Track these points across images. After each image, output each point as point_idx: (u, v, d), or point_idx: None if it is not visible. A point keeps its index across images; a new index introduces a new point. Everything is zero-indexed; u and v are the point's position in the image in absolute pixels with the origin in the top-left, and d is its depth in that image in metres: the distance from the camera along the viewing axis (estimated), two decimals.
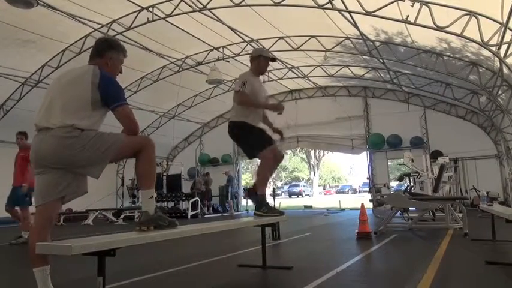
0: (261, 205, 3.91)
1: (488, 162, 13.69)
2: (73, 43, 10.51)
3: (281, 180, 52.87)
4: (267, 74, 14.45)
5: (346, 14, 8.47)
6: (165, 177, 15.68)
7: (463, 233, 5.80)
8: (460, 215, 6.68)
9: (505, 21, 6.45)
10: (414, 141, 14.75)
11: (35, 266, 2.28)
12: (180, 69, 13.24)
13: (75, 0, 8.63)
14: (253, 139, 3.90)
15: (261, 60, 4.13)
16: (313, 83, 15.65)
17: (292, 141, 16.90)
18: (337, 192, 46.18)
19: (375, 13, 7.53)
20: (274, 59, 4.34)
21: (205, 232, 2.97)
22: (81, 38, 10.33)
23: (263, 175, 3.99)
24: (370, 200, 9.62)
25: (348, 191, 46.10)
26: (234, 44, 11.72)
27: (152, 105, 15.50)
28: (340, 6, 7.80)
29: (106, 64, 2.59)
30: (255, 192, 3.92)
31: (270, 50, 11.52)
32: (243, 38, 11.17)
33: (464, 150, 13.74)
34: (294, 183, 46.94)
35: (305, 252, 5.15)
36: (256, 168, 4.01)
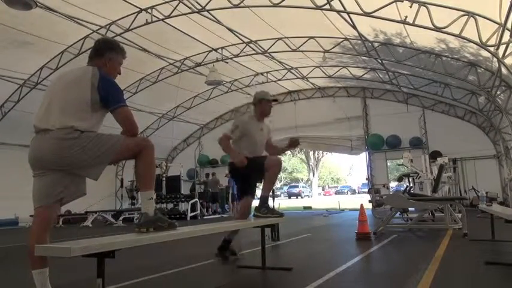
0: (261, 206, 3.92)
1: (487, 162, 13.71)
2: (72, 44, 10.51)
3: (280, 181, 52.88)
4: (266, 74, 14.48)
5: (345, 15, 8.49)
6: (164, 179, 15.66)
7: (463, 233, 5.80)
8: (460, 215, 6.69)
9: (503, 22, 6.45)
10: (413, 142, 14.77)
11: (34, 267, 2.27)
12: (179, 71, 13.24)
13: (73, 1, 8.63)
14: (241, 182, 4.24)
15: (263, 104, 4.22)
16: (312, 83, 15.67)
17: (277, 177, 16.82)
18: (337, 193, 46.18)
19: (374, 14, 7.54)
20: (276, 100, 4.44)
21: (205, 233, 2.96)
22: (80, 40, 10.32)
23: (272, 176, 4.12)
24: (370, 201, 9.62)
25: (347, 192, 46.13)
26: (232, 45, 11.73)
27: (151, 107, 15.50)
28: (339, 7, 7.81)
29: (105, 65, 2.58)
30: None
31: (269, 50, 11.57)
32: (241, 39, 11.18)
33: (463, 150, 13.76)
34: (293, 184, 46.94)
35: (305, 253, 5.15)
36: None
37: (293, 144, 4.32)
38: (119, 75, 2.70)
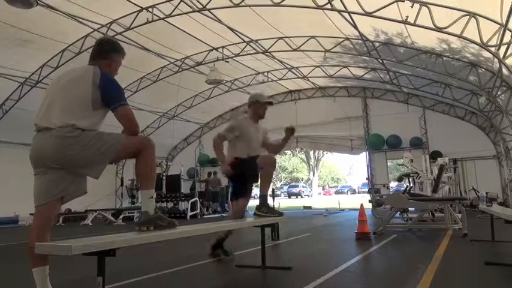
0: (261, 205, 3.92)
1: (488, 162, 13.70)
2: (73, 43, 10.51)
3: (280, 181, 52.88)
4: (266, 74, 14.48)
5: (346, 15, 8.48)
6: (164, 178, 15.67)
7: (462, 234, 5.80)
8: (460, 215, 6.69)
9: (504, 22, 6.45)
10: (413, 142, 14.76)
11: (35, 266, 2.28)
12: (180, 70, 13.24)
13: (74, 0, 8.63)
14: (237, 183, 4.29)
15: (257, 106, 4.22)
16: (313, 83, 15.66)
17: (291, 141, 16.87)
18: (337, 192, 46.15)
19: (375, 14, 7.53)
20: (270, 103, 4.39)
21: (205, 232, 2.97)
22: (81, 38, 10.33)
23: (268, 175, 4.11)
24: (370, 201, 9.63)
25: (347, 192, 46.11)
26: (233, 44, 11.72)
27: (152, 106, 15.50)
28: (340, 7, 7.80)
29: (109, 65, 2.60)
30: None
31: (269, 50, 11.56)
32: (242, 39, 11.17)
33: (464, 150, 13.75)
34: (293, 183, 46.95)
35: (304, 252, 5.15)
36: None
37: (289, 132, 4.22)
38: (116, 74, 2.71)
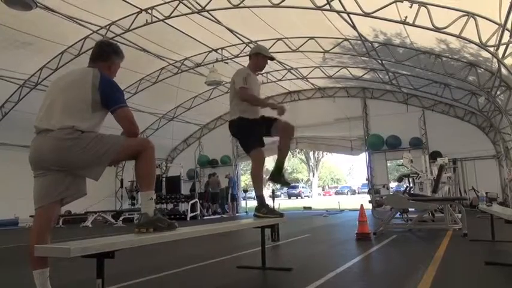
0: (261, 206, 3.90)
1: (487, 162, 13.70)
2: (72, 45, 10.51)
3: (277, 186, 52.75)
4: (265, 75, 14.48)
5: (345, 15, 8.48)
6: (164, 179, 15.67)
7: (462, 234, 5.80)
8: (459, 215, 6.69)
9: (503, 22, 6.46)
10: (413, 142, 14.77)
11: (35, 268, 2.27)
12: (179, 71, 13.24)
13: (73, 2, 8.63)
14: (248, 137, 3.87)
15: (259, 58, 4.12)
16: (312, 84, 15.67)
17: (291, 142, 16.89)
18: (337, 193, 46.13)
19: (374, 14, 7.54)
20: (272, 58, 4.32)
21: (205, 234, 2.96)
22: (80, 40, 10.33)
23: (257, 175, 3.92)
24: (370, 201, 9.63)
25: (347, 192, 46.08)
26: (232, 45, 11.73)
27: (151, 107, 15.50)
28: (339, 8, 7.81)
29: (108, 68, 2.61)
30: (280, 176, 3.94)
31: (269, 51, 11.53)
32: (241, 40, 11.18)
33: (463, 150, 13.76)
34: (293, 184, 46.92)
35: (305, 253, 5.15)
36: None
37: (278, 108, 3.84)
38: (115, 77, 2.71)
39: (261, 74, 14.51)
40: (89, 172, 2.39)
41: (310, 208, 19.17)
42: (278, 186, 3.93)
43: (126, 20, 9.72)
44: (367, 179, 16.33)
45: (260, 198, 3.89)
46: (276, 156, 3.99)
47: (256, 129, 3.85)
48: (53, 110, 2.39)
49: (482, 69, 9.89)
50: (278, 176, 3.92)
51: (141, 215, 2.52)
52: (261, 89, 4.29)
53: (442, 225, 6.85)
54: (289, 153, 42.86)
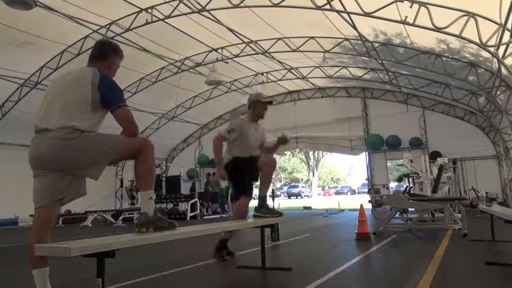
0: (261, 206, 3.92)
1: (487, 162, 13.70)
2: (72, 44, 10.50)
3: (280, 181, 52.88)
4: (265, 74, 14.48)
5: (345, 15, 8.48)
6: (164, 179, 15.66)
7: (462, 234, 5.80)
8: (459, 215, 6.69)
9: (503, 22, 6.45)
10: (413, 142, 14.77)
11: (34, 267, 2.27)
12: (179, 71, 13.24)
13: (73, 1, 8.63)
14: (237, 182, 4.33)
15: (258, 106, 4.25)
16: (312, 84, 15.67)
17: (291, 142, 16.90)
18: (336, 193, 46.19)
19: (374, 14, 7.53)
20: (270, 102, 4.44)
21: (205, 233, 2.96)
22: (80, 40, 10.32)
23: (267, 175, 4.16)
24: (369, 201, 9.63)
25: (347, 192, 46.13)
26: (232, 45, 11.72)
27: (151, 107, 15.50)
28: (339, 7, 7.80)
29: (108, 67, 2.61)
30: None
31: (269, 50, 11.58)
32: (241, 39, 11.18)
33: (463, 150, 13.76)
34: (293, 184, 46.95)
35: (304, 253, 5.15)
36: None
37: (281, 141, 4.29)
38: (114, 76, 2.71)
39: (262, 74, 14.53)
40: (88, 172, 2.39)
41: (310, 208, 19.17)
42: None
43: (126, 19, 9.71)
44: (367, 179, 16.33)
45: (262, 198, 3.95)
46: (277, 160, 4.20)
47: (241, 177, 4.22)
48: (52, 110, 2.38)
49: (482, 69, 9.89)
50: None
51: (141, 214, 2.52)
52: (263, 134, 4.53)
53: (442, 225, 6.85)
54: (289, 152, 43.10)
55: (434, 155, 13.03)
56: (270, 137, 4.61)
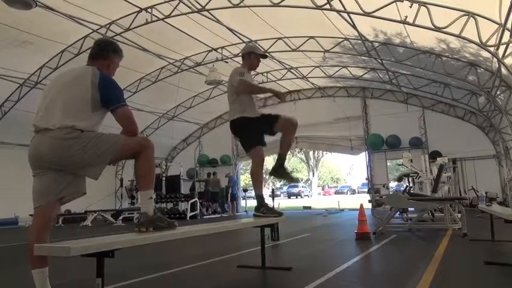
0: (260, 206, 3.91)
1: (487, 162, 13.70)
2: (72, 44, 10.50)
3: (280, 181, 52.85)
4: (265, 74, 14.48)
5: (345, 15, 8.48)
6: (164, 178, 15.66)
7: (462, 233, 5.80)
8: (459, 215, 6.69)
9: (503, 22, 6.45)
10: (413, 142, 14.77)
11: (34, 267, 2.27)
12: (179, 70, 13.24)
13: (73, 1, 8.62)
14: (248, 136, 3.88)
15: (252, 57, 4.13)
16: (312, 83, 15.67)
17: (293, 138, 16.87)
18: (336, 192, 46.09)
19: (374, 14, 7.53)
20: (265, 56, 4.33)
21: (204, 233, 2.96)
22: (80, 39, 10.32)
23: (256, 174, 3.93)
24: (369, 201, 9.62)
25: (347, 192, 46.07)
26: (232, 44, 11.72)
27: (151, 106, 15.50)
28: (339, 7, 7.80)
29: (108, 66, 2.60)
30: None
31: (268, 50, 11.54)
32: (241, 39, 11.17)
33: (463, 150, 13.77)
34: (293, 183, 46.81)
35: (304, 252, 5.15)
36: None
37: (277, 95, 3.93)
38: (113, 75, 2.71)
39: (261, 74, 14.52)
40: (88, 171, 2.39)
41: (309, 207, 19.17)
42: (281, 181, 3.94)
43: (126, 19, 9.71)
44: (366, 179, 16.33)
45: (259, 197, 3.88)
46: (276, 156, 3.97)
47: (256, 127, 3.84)
48: (52, 109, 2.38)
49: (482, 69, 9.89)
50: (280, 169, 3.86)
51: (141, 214, 2.52)
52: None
53: (441, 225, 6.85)
54: (289, 152, 43.04)
55: (434, 155, 13.03)
56: (270, 136, 4.58)
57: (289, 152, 4.14)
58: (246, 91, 3.81)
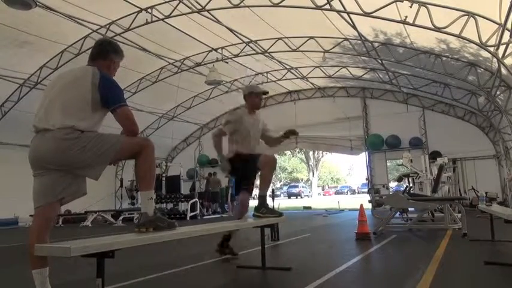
0: (261, 206, 3.91)
1: (487, 162, 13.71)
2: (72, 44, 10.50)
3: (280, 181, 52.88)
4: (265, 74, 14.48)
5: (345, 15, 8.48)
6: (164, 179, 15.66)
7: (462, 234, 5.80)
8: (459, 215, 6.69)
9: (503, 22, 6.45)
10: (413, 142, 14.77)
11: (34, 267, 2.27)
12: (179, 70, 13.24)
13: (73, 1, 8.63)
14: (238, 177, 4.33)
15: (252, 98, 4.24)
16: (312, 83, 15.66)
17: (291, 142, 16.91)
18: (336, 193, 46.13)
19: (374, 14, 7.53)
20: (266, 92, 4.44)
21: (204, 233, 2.96)
22: (80, 39, 10.32)
23: (265, 176, 4.10)
24: (369, 201, 9.62)
25: (347, 192, 46.10)
26: (232, 45, 11.72)
27: (151, 106, 15.50)
28: (339, 7, 7.80)
29: (108, 67, 2.60)
30: None
31: (268, 50, 11.57)
32: (241, 39, 11.17)
33: (463, 150, 13.77)
34: (293, 184, 46.90)
35: (304, 253, 5.15)
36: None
37: (290, 133, 4.27)
38: (114, 76, 2.71)
39: (261, 74, 14.52)
40: (88, 171, 2.39)
41: (309, 208, 19.18)
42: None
43: (126, 19, 9.71)
44: (366, 179, 16.32)
45: (262, 197, 3.94)
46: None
47: (241, 172, 4.22)
48: (52, 110, 2.38)
49: (482, 69, 9.89)
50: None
51: (141, 214, 2.52)
52: (263, 122, 4.53)
53: (441, 225, 6.84)
54: (289, 152, 43.05)
55: (434, 155, 13.04)
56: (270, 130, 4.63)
57: (269, 188, 4.38)
58: (213, 141, 4.25)
